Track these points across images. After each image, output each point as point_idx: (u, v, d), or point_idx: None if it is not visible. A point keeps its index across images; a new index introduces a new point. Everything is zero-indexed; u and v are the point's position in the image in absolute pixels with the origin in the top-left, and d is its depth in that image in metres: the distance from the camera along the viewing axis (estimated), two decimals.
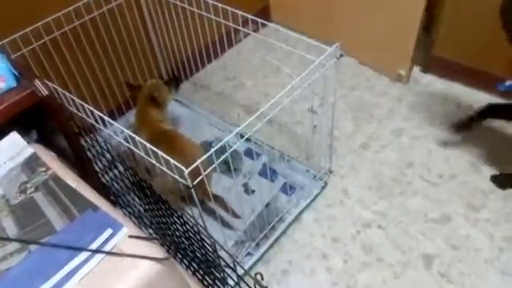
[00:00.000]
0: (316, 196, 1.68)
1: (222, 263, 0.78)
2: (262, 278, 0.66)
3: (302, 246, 1.55)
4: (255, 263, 1.49)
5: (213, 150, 0.99)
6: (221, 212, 1.40)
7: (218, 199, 1.40)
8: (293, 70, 1.33)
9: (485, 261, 1.44)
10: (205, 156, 0.99)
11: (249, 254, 1.50)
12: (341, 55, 1.25)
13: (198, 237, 0.79)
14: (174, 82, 1.79)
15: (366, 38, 2.17)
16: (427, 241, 1.51)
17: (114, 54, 1.84)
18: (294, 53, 1.34)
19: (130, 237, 0.73)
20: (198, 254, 0.90)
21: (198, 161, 0.95)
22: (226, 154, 1.04)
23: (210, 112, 2.07)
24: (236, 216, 1.44)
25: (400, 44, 2.05)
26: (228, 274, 0.80)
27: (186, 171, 0.91)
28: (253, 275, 0.67)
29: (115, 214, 0.78)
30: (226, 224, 1.51)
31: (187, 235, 0.88)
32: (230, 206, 1.41)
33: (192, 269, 1.06)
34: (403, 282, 1.42)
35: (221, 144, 1.01)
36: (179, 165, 0.92)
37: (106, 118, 1.07)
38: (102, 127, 1.11)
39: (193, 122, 2.02)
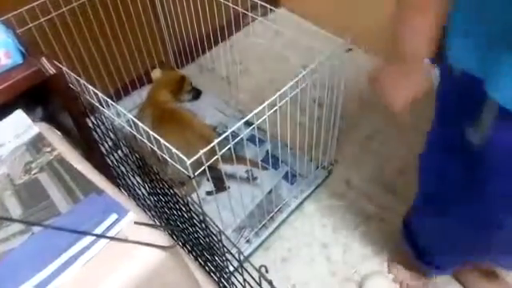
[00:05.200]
0: (318, 186, 1.68)
1: (226, 252, 0.78)
2: (267, 271, 0.66)
3: (302, 234, 1.55)
4: (255, 250, 1.50)
5: (222, 137, 0.98)
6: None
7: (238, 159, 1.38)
8: (299, 57, 1.31)
9: None
10: (215, 142, 0.97)
11: (248, 240, 1.50)
12: (349, 49, 1.23)
13: (204, 225, 0.79)
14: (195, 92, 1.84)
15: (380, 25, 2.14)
16: None
17: (121, 33, 1.81)
18: (301, 39, 1.32)
19: (136, 223, 0.72)
20: (202, 242, 0.89)
21: (201, 152, 0.93)
22: (231, 144, 1.02)
23: (214, 96, 2.05)
24: (264, 168, 1.51)
25: None
26: (231, 264, 0.80)
27: (188, 162, 0.90)
28: (257, 267, 0.66)
29: (121, 198, 0.77)
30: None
31: (192, 222, 0.88)
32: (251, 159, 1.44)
33: (194, 254, 1.06)
34: None
35: (228, 133, 1.00)
36: (181, 155, 0.91)
37: (110, 101, 1.06)
38: (105, 110, 1.10)
39: (197, 105, 2.00)
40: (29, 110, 0.99)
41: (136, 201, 1.26)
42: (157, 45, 2.03)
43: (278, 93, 1.06)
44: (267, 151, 1.75)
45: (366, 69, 2.21)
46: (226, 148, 1.01)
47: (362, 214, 1.59)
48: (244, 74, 2.20)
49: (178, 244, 1.11)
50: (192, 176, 0.90)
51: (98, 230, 0.71)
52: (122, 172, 1.20)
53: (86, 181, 0.78)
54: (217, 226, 0.73)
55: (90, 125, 1.14)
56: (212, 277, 1.02)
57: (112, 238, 0.70)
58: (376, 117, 1.93)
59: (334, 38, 1.21)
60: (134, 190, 1.20)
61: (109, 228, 0.71)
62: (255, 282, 0.71)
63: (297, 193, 1.62)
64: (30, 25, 1.40)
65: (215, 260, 0.91)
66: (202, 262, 1.05)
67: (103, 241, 0.70)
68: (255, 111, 1.05)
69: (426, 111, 1.94)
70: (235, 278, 0.88)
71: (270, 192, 1.61)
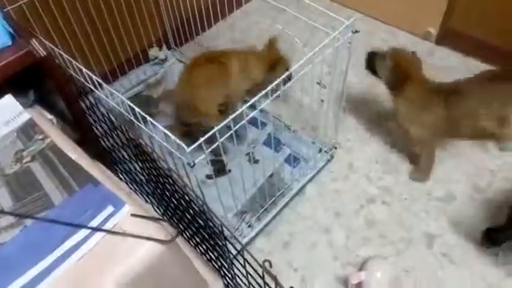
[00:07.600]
0: (321, 169, 1.65)
1: (231, 254, 0.75)
2: (271, 266, 0.63)
3: (304, 218, 1.53)
4: (257, 235, 1.48)
5: (224, 122, 0.94)
6: None
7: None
8: (301, 36, 1.27)
9: None
10: (217, 128, 0.93)
11: (250, 225, 1.48)
12: (356, 31, 1.18)
13: (205, 216, 0.76)
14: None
15: None
16: (430, 219, 1.49)
17: (116, 9, 1.74)
18: (303, 17, 1.26)
19: (132, 215, 0.69)
20: (203, 232, 0.87)
21: (202, 138, 0.90)
22: (232, 130, 0.98)
23: None
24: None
25: None
26: (235, 257, 0.77)
27: (188, 149, 0.86)
28: (261, 262, 0.63)
29: (117, 188, 0.74)
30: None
31: (192, 212, 0.85)
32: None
33: (194, 241, 1.04)
34: (404, 259, 1.41)
35: (234, 116, 0.96)
36: (181, 143, 0.87)
37: (105, 84, 1.01)
38: (101, 94, 1.05)
39: None
40: (20, 94, 0.94)
41: (134, 185, 1.23)
42: (154, 20, 1.96)
43: (282, 77, 1.02)
44: (269, 133, 1.71)
45: (371, 44, 2.15)
46: (228, 134, 0.97)
47: (364, 197, 1.57)
48: None
49: (177, 229, 1.08)
50: (192, 164, 0.87)
51: (94, 223, 0.67)
52: (119, 157, 1.16)
53: (81, 170, 0.74)
54: (219, 219, 0.69)
55: (84, 108, 1.09)
56: (213, 265, 1.00)
57: (108, 232, 0.67)
58: (379, 97, 1.88)
59: (335, 16, 1.16)
60: (131, 174, 1.17)
61: (105, 221, 0.68)
62: (258, 275, 0.69)
63: (299, 176, 1.59)
64: (21, 2, 1.33)
65: (216, 250, 0.88)
66: (203, 250, 1.02)
67: (99, 234, 0.66)
68: (259, 96, 1.01)
69: None
70: (237, 269, 0.85)
71: (271, 175, 1.58)
